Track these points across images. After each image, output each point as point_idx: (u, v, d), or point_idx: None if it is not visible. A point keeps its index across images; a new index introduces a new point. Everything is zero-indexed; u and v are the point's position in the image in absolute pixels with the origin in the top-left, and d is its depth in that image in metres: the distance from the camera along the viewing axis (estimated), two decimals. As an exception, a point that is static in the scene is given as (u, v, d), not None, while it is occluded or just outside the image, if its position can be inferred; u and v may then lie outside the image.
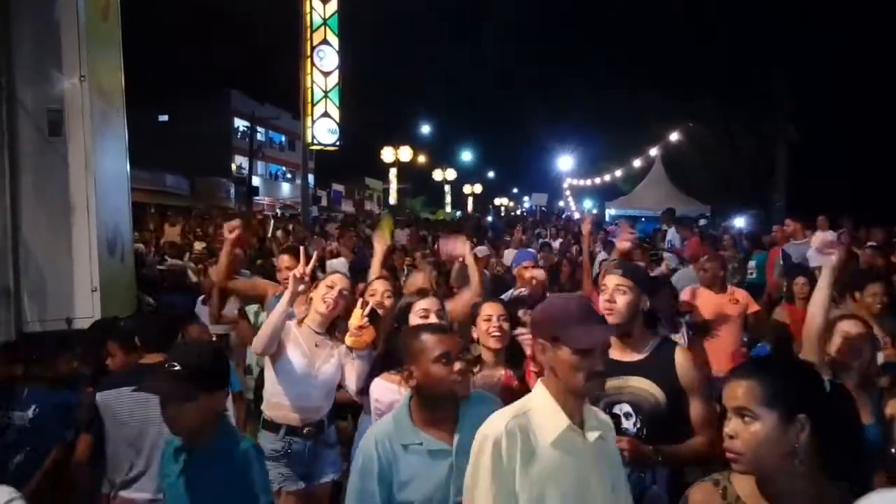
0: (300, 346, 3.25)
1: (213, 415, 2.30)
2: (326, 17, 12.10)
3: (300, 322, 3.35)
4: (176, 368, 2.22)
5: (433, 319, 2.95)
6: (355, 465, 2.22)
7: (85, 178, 4.18)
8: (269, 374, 3.30)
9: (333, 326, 3.36)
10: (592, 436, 1.91)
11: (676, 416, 2.49)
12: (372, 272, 4.31)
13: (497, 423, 1.87)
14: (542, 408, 1.91)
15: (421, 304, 3.06)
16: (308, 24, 12.04)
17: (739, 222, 19.27)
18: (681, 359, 2.55)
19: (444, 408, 2.19)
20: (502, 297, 4.22)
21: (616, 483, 1.97)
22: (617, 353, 2.56)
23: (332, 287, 3.31)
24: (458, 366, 2.17)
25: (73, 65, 4.26)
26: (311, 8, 12.02)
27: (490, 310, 3.17)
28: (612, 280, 2.62)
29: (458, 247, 4.30)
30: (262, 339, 3.14)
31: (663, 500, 2.42)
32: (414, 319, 2.97)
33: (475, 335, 3.18)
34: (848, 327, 2.87)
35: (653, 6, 28.96)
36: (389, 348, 2.95)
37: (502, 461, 1.81)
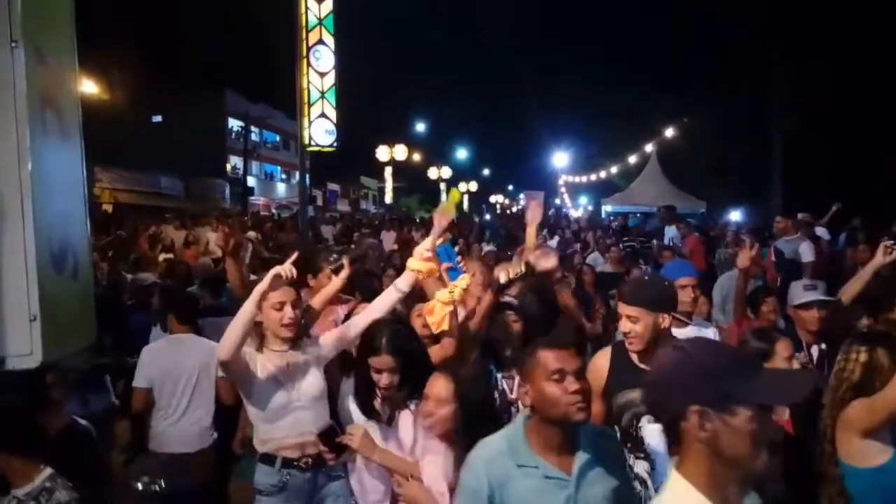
0: (270, 374, 2.96)
1: None
2: (322, 16, 11.98)
3: (259, 350, 3.04)
4: None
5: (385, 378, 2.69)
6: (462, 487, 2.05)
7: (18, 174, 3.20)
8: (251, 411, 3.00)
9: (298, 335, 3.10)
10: None
11: None
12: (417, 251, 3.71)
13: None
14: None
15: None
16: (303, 24, 11.92)
17: (735, 216, 19.28)
18: None
19: (563, 433, 1.99)
20: None
21: None
22: (642, 363, 2.56)
23: (281, 307, 2.97)
24: (573, 385, 1.94)
25: (0, 26, 3.20)
26: (307, 8, 11.92)
27: None
28: (621, 309, 2.64)
29: (550, 261, 3.74)
30: (225, 345, 2.79)
31: None
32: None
33: None
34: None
35: (648, 4, 28.96)
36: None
37: None
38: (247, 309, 2.76)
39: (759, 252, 7.41)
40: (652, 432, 2.30)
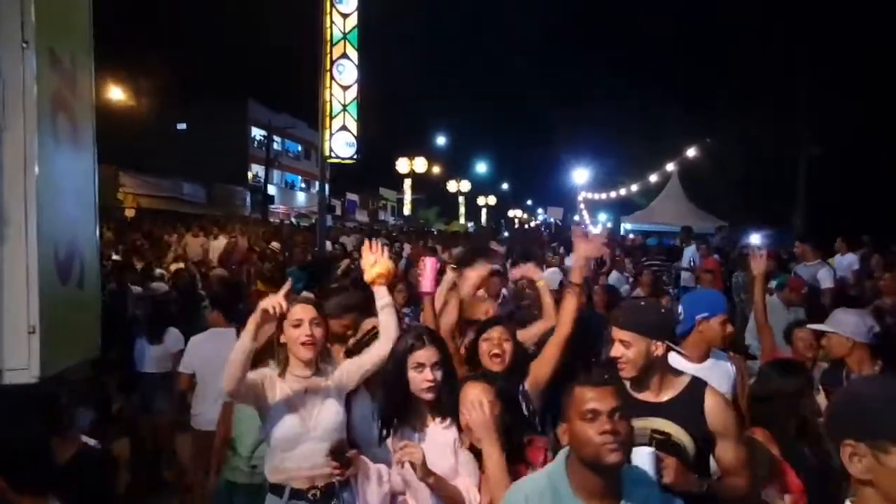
0: (289, 400, 2.84)
1: None
2: (346, 31, 12.09)
3: (282, 374, 2.90)
4: None
5: (428, 373, 2.63)
6: None
7: (23, 180, 3.04)
8: (266, 434, 2.89)
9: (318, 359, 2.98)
10: None
11: (701, 463, 2.39)
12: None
13: None
14: None
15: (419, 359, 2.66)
16: (328, 38, 12.03)
17: (755, 239, 18.98)
18: (711, 401, 2.42)
19: (602, 477, 1.95)
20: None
21: None
22: (635, 392, 2.48)
23: (299, 324, 2.84)
24: (606, 425, 1.89)
25: (11, 26, 3.15)
26: (332, 22, 12.04)
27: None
28: (614, 333, 2.52)
29: (530, 271, 4.17)
30: (227, 378, 2.68)
31: None
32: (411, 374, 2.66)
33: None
34: None
35: (671, 21, 28.97)
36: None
37: None
38: (242, 342, 2.63)
39: (799, 282, 7.32)
40: (641, 458, 2.19)
